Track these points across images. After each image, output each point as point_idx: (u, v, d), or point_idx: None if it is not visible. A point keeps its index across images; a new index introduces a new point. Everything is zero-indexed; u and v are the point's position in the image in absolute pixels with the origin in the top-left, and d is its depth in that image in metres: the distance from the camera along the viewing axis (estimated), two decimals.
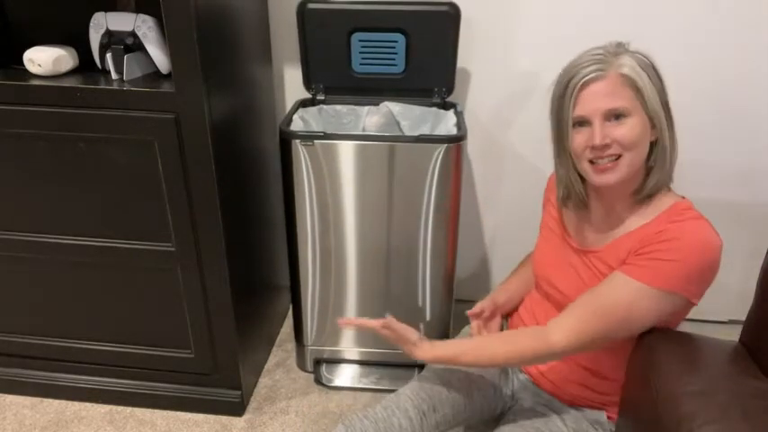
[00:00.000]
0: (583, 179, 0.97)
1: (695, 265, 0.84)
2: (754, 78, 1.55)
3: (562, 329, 0.90)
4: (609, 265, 0.94)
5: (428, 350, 0.99)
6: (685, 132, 1.62)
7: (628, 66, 0.85)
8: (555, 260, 1.05)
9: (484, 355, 0.96)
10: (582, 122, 0.89)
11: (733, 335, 1.00)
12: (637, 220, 0.93)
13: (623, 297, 0.87)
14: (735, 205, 1.71)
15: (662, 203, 0.92)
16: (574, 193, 0.99)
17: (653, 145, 0.90)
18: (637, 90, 0.85)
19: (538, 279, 1.10)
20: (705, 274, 0.86)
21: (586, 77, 0.86)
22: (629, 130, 0.86)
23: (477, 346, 0.99)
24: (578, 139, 0.90)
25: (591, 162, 0.90)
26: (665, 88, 0.90)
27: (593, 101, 0.86)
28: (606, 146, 0.87)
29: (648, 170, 0.91)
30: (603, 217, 0.98)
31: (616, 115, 0.86)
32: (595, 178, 0.90)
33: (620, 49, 0.88)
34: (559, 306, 1.02)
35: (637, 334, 0.91)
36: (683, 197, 0.95)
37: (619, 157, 0.87)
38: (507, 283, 1.23)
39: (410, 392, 1.04)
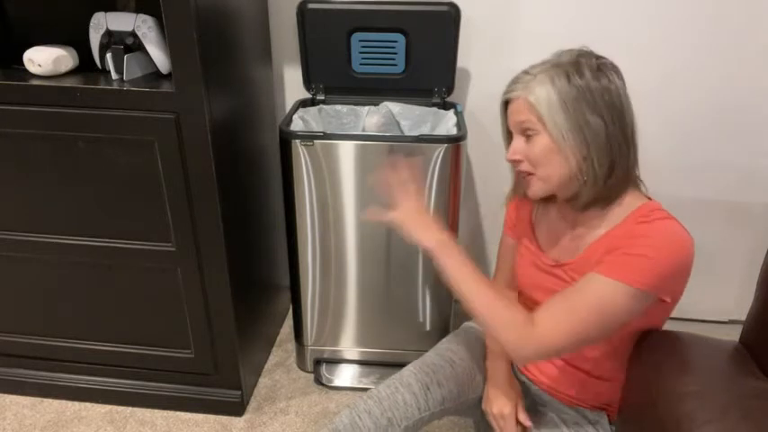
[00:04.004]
0: None
1: (666, 262, 0.83)
2: (754, 78, 1.55)
3: (545, 324, 0.86)
4: (585, 273, 0.92)
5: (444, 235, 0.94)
6: (685, 133, 1.63)
7: (535, 93, 0.88)
8: (532, 280, 1.04)
9: (472, 290, 0.90)
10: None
11: (733, 335, 1.00)
12: (604, 225, 0.93)
13: (591, 294, 0.85)
14: (735, 205, 1.71)
15: (628, 206, 0.92)
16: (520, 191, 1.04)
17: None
18: (539, 117, 0.88)
19: (522, 296, 1.10)
20: (676, 271, 0.84)
21: (505, 96, 0.94)
22: (535, 148, 0.90)
23: (477, 280, 0.91)
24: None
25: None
26: (599, 108, 0.86)
27: (509, 116, 0.94)
28: (517, 161, 0.94)
29: (583, 184, 0.90)
30: (570, 226, 0.99)
31: (528, 132, 0.90)
32: (526, 191, 0.97)
33: (561, 60, 0.90)
34: None
35: (611, 335, 0.90)
36: (650, 198, 0.94)
37: (531, 174, 0.93)
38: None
39: (414, 368, 1.04)
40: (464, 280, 0.91)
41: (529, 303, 1.06)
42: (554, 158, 0.89)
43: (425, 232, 0.95)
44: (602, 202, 0.92)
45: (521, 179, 0.98)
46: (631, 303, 0.84)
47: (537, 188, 0.94)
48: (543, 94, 0.87)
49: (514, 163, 0.95)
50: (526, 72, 0.92)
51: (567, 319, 0.86)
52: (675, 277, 0.86)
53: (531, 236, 1.06)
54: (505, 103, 0.95)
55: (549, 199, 1.00)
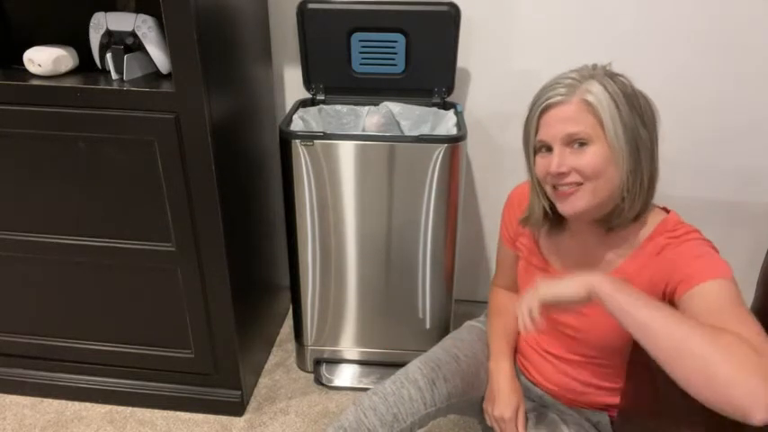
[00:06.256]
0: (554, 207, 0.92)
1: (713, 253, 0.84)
2: (755, 78, 1.55)
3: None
4: None
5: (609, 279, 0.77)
6: (686, 133, 1.63)
7: (593, 93, 0.81)
8: None
9: (676, 331, 0.69)
10: (549, 148, 0.86)
11: None
12: (627, 246, 0.90)
13: (732, 297, 0.75)
14: (735, 205, 1.71)
15: (650, 222, 0.89)
16: (534, 219, 0.95)
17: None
18: (598, 119, 0.81)
19: None
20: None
21: (549, 101, 0.83)
22: (590, 158, 0.82)
23: (671, 314, 0.72)
24: (540, 164, 0.88)
25: (554, 188, 0.87)
26: (645, 119, 0.83)
27: (553, 126, 0.84)
28: (563, 174, 0.83)
29: (621, 200, 0.85)
30: (587, 245, 0.94)
31: (579, 142, 0.82)
32: (560, 206, 0.87)
33: (595, 71, 0.84)
34: (565, 336, 1.00)
35: None
36: (666, 209, 0.92)
37: (579, 184, 0.84)
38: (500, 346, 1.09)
39: (419, 363, 1.03)
40: (666, 321, 0.70)
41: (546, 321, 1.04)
42: (609, 169, 0.82)
43: (577, 277, 0.79)
44: (630, 222, 0.87)
45: (553, 195, 0.88)
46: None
47: (584, 201, 0.84)
48: (603, 96, 0.80)
49: (560, 176, 0.84)
50: (566, 77, 0.83)
51: (756, 328, 0.70)
52: None
53: (538, 253, 1.02)
54: (540, 112, 0.85)
55: (559, 219, 0.94)
